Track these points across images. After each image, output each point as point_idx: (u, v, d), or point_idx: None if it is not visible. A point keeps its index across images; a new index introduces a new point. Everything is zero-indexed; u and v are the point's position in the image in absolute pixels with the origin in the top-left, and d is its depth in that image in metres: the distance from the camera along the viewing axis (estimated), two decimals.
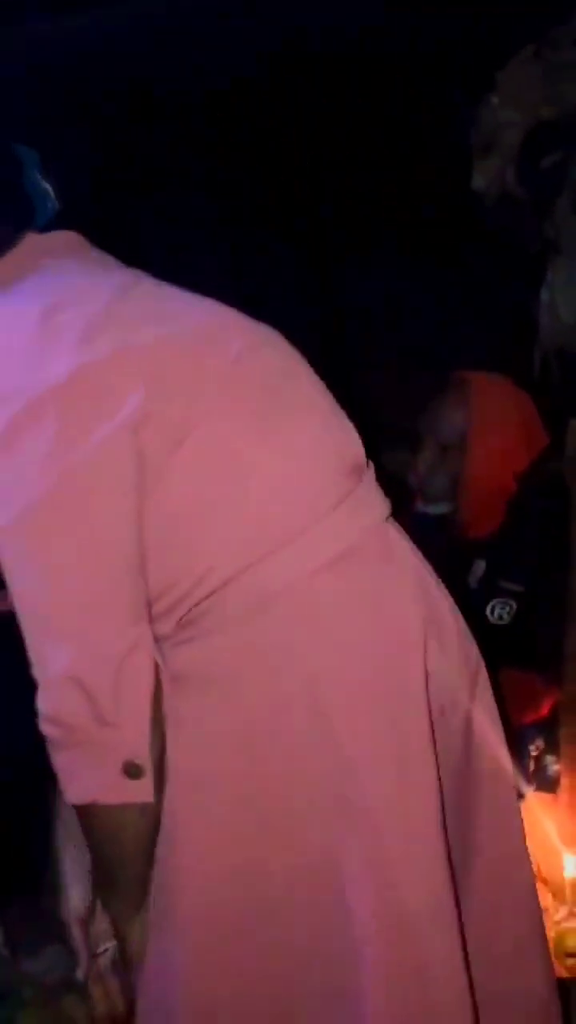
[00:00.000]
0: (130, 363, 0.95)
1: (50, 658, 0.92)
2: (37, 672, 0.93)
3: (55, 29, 2.14)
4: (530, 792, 1.99)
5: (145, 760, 0.93)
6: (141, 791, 0.94)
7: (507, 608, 2.00)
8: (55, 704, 0.92)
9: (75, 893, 1.21)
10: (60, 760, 0.95)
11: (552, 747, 2.04)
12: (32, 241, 1.08)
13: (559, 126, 1.63)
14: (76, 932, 1.23)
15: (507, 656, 2.03)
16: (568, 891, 1.92)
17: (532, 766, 2.09)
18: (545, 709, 2.08)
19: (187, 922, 1.01)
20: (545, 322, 1.69)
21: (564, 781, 1.96)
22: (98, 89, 2.26)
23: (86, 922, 1.22)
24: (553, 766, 2.03)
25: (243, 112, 2.28)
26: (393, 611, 1.08)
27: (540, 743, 2.15)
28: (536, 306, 1.69)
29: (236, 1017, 1.03)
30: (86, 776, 0.95)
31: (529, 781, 2.01)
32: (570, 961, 1.80)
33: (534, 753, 2.16)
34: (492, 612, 2.00)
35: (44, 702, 0.93)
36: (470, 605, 2.02)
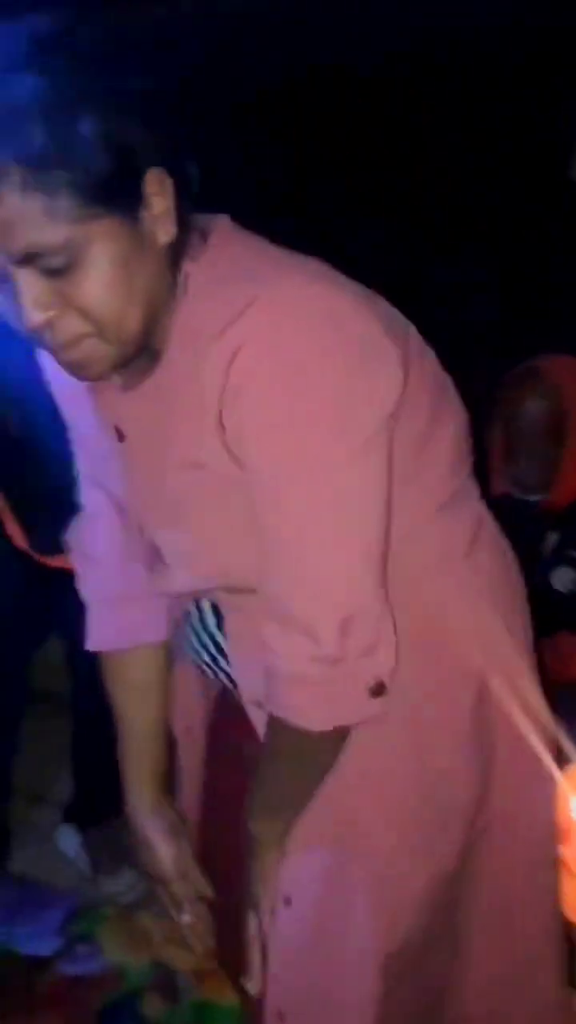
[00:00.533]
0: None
1: (325, 596, 0.96)
2: (302, 611, 0.96)
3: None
4: None
5: (388, 677, 0.98)
6: (379, 707, 0.99)
7: (572, 577, 2.09)
8: (330, 640, 0.95)
9: (167, 853, 1.27)
10: (308, 693, 0.98)
11: None
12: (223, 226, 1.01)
13: None
14: (165, 891, 1.28)
15: (567, 623, 2.13)
16: None
17: None
18: None
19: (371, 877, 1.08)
20: None
21: None
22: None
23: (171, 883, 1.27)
24: None
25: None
26: (519, 593, 1.17)
27: None
28: None
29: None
30: (337, 703, 0.99)
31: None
32: None
33: None
34: (557, 580, 2.10)
35: (313, 640, 0.95)
36: (538, 573, 2.15)
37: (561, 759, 1.99)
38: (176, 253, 0.94)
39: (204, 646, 1.16)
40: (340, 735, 1.02)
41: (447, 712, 1.09)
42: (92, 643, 1.27)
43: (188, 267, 0.96)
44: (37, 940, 2.03)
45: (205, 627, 1.15)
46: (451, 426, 1.05)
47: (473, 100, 2.76)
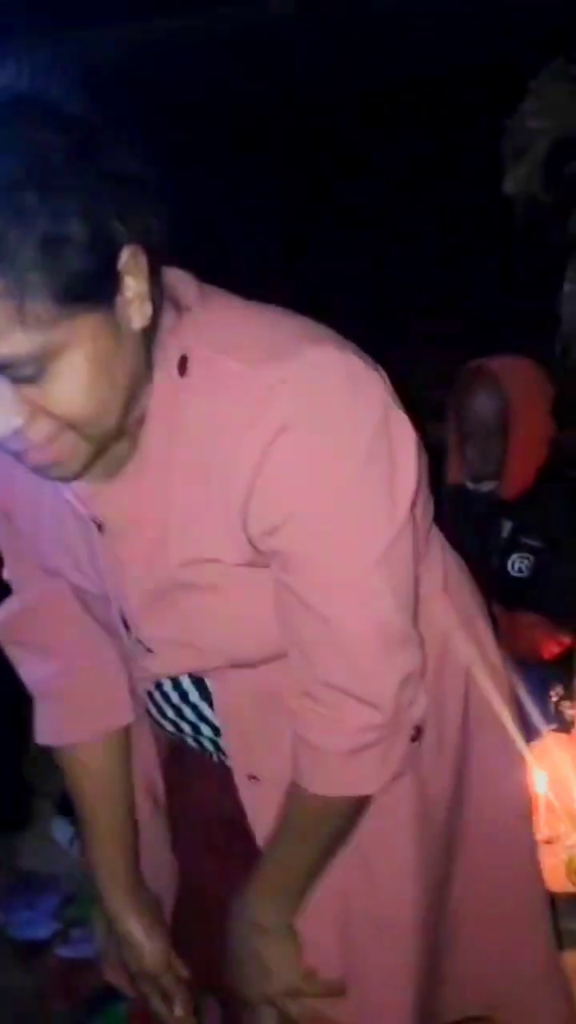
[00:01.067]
0: None
1: (386, 666, 0.94)
2: (362, 684, 0.94)
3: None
4: (548, 731, 2.22)
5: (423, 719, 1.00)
6: (417, 750, 1.01)
7: (526, 562, 2.26)
8: (390, 704, 0.94)
9: (152, 948, 1.18)
10: (365, 761, 0.97)
11: (569, 694, 2.26)
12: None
13: None
14: (153, 986, 1.20)
15: (525, 603, 2.30)
16: None
17: (553, 709, 2.32)
18: (558, 651, 2.33)
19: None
20: (566, 312, 1.88)
21: None
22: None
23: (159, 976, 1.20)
24: (569, 711, 2.26)
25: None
26: (480, 603, 1.22)
27: (559, 690, 2.38)
28: (559, 297, 1.88)
29: None
30: (390, 761, 0.98)
31: (548, 721, 2.24)
32: None
33: (554, 699, 2.39)
34: (512, 566, 2.28)
35: (374, 708, 0.94)
36: (495, 559, 2.34)
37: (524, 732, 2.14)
38: (150, 329, 0.87)
39: (183, 718, 1.10)
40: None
41: (442, 733, 1.10)
42: (49, 736, 1.19)
43: (174, 341, 0.89)
44: (34, 925, 2.12)
45: (185, 699, 1.09)
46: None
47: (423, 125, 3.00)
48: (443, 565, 1.14)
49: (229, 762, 1.09)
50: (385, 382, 0.93)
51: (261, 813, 1.07)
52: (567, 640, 2.24)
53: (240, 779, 1.08)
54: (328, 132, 3.16)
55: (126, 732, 1.20)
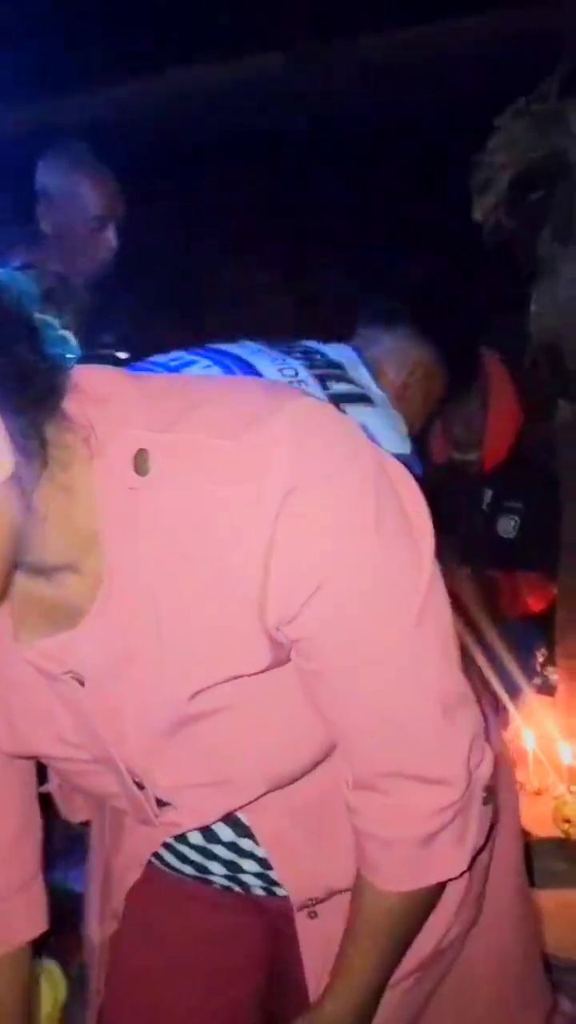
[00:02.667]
0: None
1: (452, 734, 0.85)
2: (429, 765, 0.85)
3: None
4: (533, 694, 2.47)
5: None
6: (490, 813, 0.92)
7: (512, 522, 2.53)
8: (462, 777, 0.85)
9: None
10: (443, 844, 0.87)
11: (552, 659, 2.50)
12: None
13: (544, 167, 1.98)
14: None
15: (515, 561, 2.57)
16: (565, 774, 2.40)
17: (537, 672, 2.57)
18: (546, 603, 2.59)
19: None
20: (534, 328, 2.06)
21: (561, 687, 2.43)
22: None
23: None
24: (553, 675, 2.50)
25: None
26: None
27: (544, 652, 2.62)
28: (528, 315, 2.06)
29: None
30: (468, 835, 0.89)
31: (531, 683, 2.49)
32: (565, 826, 2.29)
33: (540, 660, 2.63)
34: (500, 528, 2.56)
35: (448, 786, 0.85)
36: (483, 523, 2.63)
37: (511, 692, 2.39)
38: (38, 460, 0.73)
39: (214, 858, 1.02)
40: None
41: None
42: None
43: (113, 442, 0.75)
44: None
45: (215, 839, 1.00)
46: None
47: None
48: None
49: (283, 891, 0.99)
50: None
51: (316, 947, 0.99)
52: (554, 591, 2.48)
53: (298, 915, 0.99)
54: (318, 173, 3.36)
55: (31, 951, 1.05)
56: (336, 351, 1.49)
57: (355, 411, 1.29)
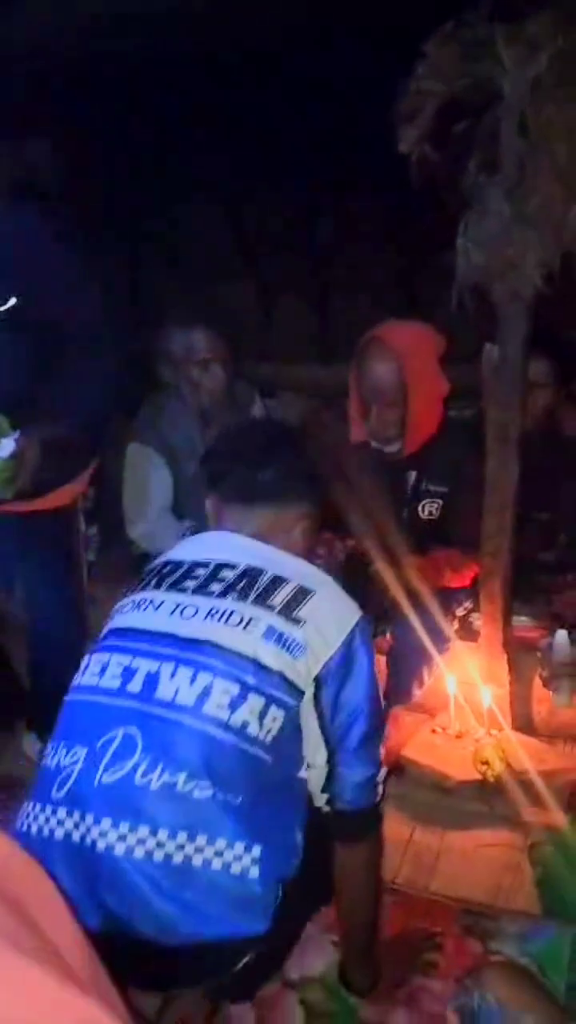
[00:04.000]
0: None
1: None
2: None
3: None
4: (456, 641, 2.47)
5: None
6: None
7: (435, 505, 2.46)
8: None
9: None
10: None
11: (477, 606, 2.50)
12: None
13: (470, 96, 1.91)
14: None
15: (437, 541, 2.52)
16: (485, 717, 2.42)
17: (458, 623, 2.58)
18: (469, 579, 2.55)
19: None
20: (461, 264, 2.01)
21: (483, 632, 2.44)
22: None
23: None
24: (477, 621, 2.50)
25: None
26: None
27: (468, 604, 2.63)
28: (454, 251, 2.01)
29: None
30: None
31: (456, 632, 2.50)
32: (483, 768, 2.31)
33: (461, 612, 2.64)
34: (423, 510, 2.48)
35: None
36: (407, 506, 2.53)
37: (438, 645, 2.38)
38: None
39: None
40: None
41: None
42: None
43: None
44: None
45: None
46: None
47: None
48: None
49: None
50: None
51: None
52: (476, 568, 2.45)
53: None
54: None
55: None
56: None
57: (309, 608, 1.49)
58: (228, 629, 1.44)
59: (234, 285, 4.45)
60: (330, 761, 1.48)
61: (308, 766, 1.48)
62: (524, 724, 2.51)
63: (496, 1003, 1.34)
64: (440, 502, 2.53)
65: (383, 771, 1.55)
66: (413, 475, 2.56)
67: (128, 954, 1.39)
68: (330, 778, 1.49)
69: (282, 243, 4.54)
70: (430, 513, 2.52)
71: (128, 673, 1.44)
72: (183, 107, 3.45)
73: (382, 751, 1.56)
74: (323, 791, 1.50)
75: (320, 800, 1.50)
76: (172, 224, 4.40)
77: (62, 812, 1.39)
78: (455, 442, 2.53)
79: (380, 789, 1.54)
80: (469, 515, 2.29)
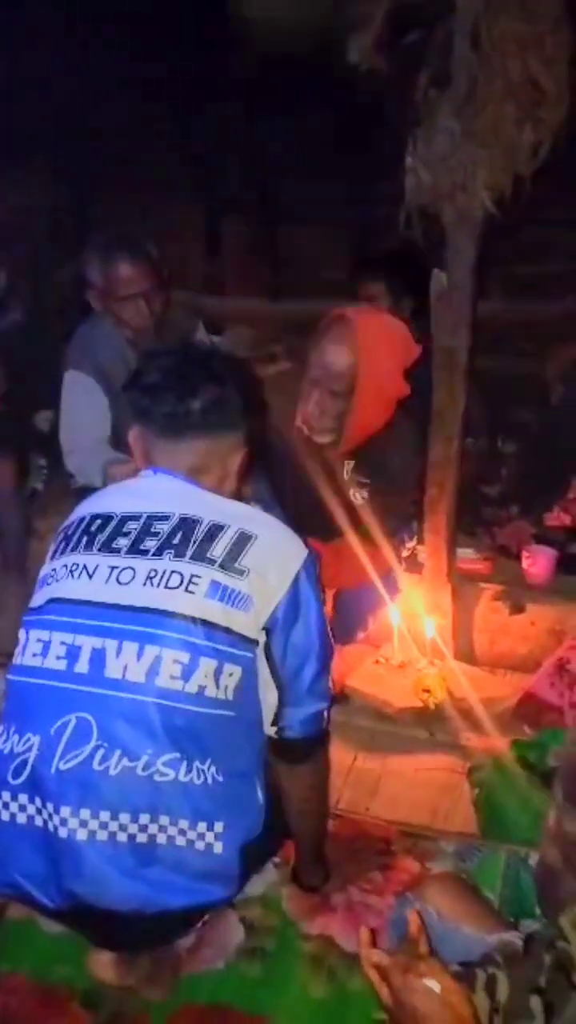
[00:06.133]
0: None
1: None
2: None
3: None
4: (402, 573, 2.47)
5: None
6: None
7: (363, 496, 2.29)
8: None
9: None
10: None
11: (422, 540, 2.50)
12: None
13: (422, 5, 1.85)
14: None
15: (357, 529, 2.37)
16: (428, 647, 2.44)
17: (403, 558, 2.57)
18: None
19: None
20: (409, 184, 1.96)
21: (427, 564, 2.44)
22: None
23: None
24: (422, 555, 2.51)
25: None
26: None
27: (414, 541, 2.62)
28: (403, 171, 1.95)
29: None
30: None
31: (400, 564, 2.49)
32: (425, 695, 2.34)
33: (409, 545, 2.63)
34: (355, 496, 2.31)
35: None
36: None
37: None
38: None
39: None
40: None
41: None
42: None
43: None
44: None
45: None
46: None
47: None
48: None
49: None
50: None
51: None
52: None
53: None
54: None
55: None
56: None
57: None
58: (169, 593, 1.39)
59: (178, 207, 4.30)
60: (280, 699, 1.47)
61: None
62: (466, 654, 2.55)
63: (436, 913, 1.36)
64: (367, 493, 2.28)
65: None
66: (348, 464, 2.30)
67: (95, 923, 1.41)
68: (280, 715, 1.48)
69: (228, 166, 4.41)
70: (363, 499, 2.33)
71: (73, 652, 1.39)
72: (126, 16, 3.28)
73: (330, 684, 1.55)
74: (272, 724, 1.49)
75: (269, 731, 1.49)
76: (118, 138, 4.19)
77: (23, 798, 1.37)
78: (392, 441, 2.27)
79: (327, 716, 1.54)
80: (390, 506, 2.24)
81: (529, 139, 1.91)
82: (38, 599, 1.49)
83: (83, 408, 2.58)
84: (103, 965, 1.54)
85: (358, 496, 2.27)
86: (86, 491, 2.43)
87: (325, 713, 1.53)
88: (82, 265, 2.58)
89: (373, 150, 2.16)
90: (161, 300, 2.54)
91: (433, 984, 1.14)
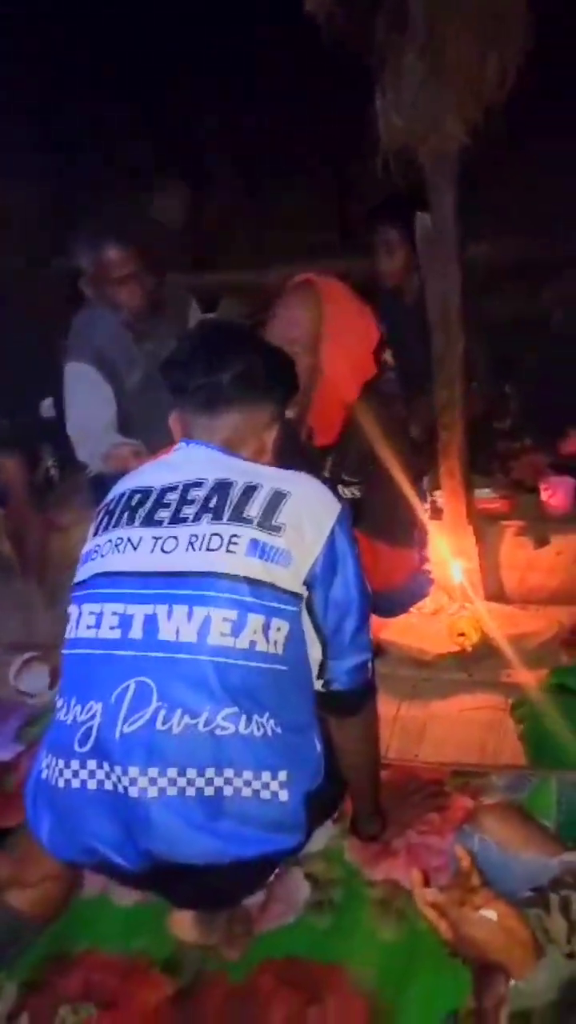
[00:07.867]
0: None
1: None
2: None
3: None
4: (427, 520, 2.47)
5: None
6: None
7: (350, 492, 2.24)
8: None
9: None
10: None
11: (438, 483, 2.50)
12: None
13: None
14: None
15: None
16: (457, 591, 2.46)
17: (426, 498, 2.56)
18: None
19: None
20: (382, 128, 1.94)
21: (446, 508, 2.45)
22: None
23: None
24: (440, 499, 2.51)
25: None
26: None
27: (434, 495, 2.59)
28: (374, 114, 1.93)
29: None
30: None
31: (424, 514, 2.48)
32: (460, 639, 2.36)
33: (432, 498, 2.60)
34: (343, 493, 2.25)
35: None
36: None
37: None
38: None
39: None
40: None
41: None
42: None
43: None
44: (1, 749, 2.38)
45: None
46: None
47: None
48: None
49: None
50: None
51: None
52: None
53: None
54: None
55: None
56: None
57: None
58: (212, 555, 1.42)
59: (162, 186, 4.26)
60: (324, 654, 1.50)
61: None
62: (495, 593, 2.56)
63: (495, 843, 1.39)
64: (356, 491, 2.27)
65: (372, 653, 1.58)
66: (330, 459, 2.26)
67: (173, 881, 1.45)
68: (324, 668, 1.51)
69: (206, 138, 4.36)
70: (352, 495, 2.31)
71: (125, 621, 1.43)
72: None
73: (371, 636, 1.57)
74: (319, 678, 1.52)
75: (316, 685, 1.52)
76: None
77: (92, 764, 1.41)
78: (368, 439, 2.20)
79: (371, 667, 1.57)
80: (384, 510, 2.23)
81: (495, 68, 1.89)
82: (83, 573, 1.53)
83: (87, 398, 2.60)
84: (185, 925, 1.59)
85: (347, 493, 2.24)
86: (101, 479, 2.45)
87: (369, 664, 1.55)
88: (73, 253, 2.59)
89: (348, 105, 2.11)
90: (153, 279, 2.55)
91: (489, 913, 1.17)
